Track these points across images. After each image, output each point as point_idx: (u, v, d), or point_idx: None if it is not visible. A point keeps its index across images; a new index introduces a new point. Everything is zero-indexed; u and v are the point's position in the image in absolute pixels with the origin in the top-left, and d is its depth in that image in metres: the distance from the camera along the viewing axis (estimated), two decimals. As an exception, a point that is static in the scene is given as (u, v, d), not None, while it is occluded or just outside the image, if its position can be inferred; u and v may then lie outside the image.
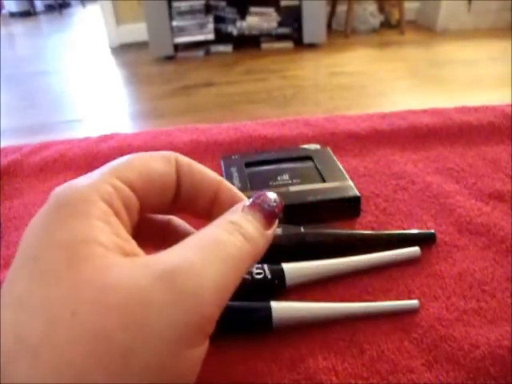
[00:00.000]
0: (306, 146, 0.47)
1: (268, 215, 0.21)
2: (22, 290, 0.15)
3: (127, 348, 0.14)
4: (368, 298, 0.30)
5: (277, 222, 0.21)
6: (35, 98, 2.46)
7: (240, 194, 0.24)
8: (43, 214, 0.18)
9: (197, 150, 0.50)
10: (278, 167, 0.42)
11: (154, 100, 2.30)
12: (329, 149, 0.46)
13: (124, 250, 0.17)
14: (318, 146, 0.47)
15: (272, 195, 0.22)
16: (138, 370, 0.14)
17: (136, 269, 0.16)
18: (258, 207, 0.21)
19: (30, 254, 0.16)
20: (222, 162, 0.44)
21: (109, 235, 0.17)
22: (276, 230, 0.22)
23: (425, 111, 0.55)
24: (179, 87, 2.42)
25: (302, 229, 0.34)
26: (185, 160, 0.23)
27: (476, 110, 0.54)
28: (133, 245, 0.18)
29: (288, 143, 0.50)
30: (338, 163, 0.42)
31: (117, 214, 0.18)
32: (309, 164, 0.43)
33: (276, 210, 0.21)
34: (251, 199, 0.21)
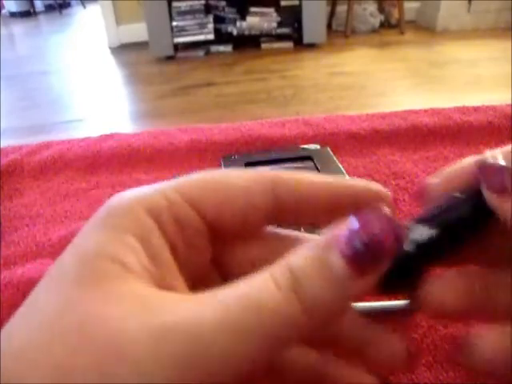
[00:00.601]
0: (305, 146, 0.47)
1: (359, 258, 0.13)
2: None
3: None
4: (368, 298, 0.30)
5: (387, 261, 0.14)
6: (35, 98, 2.46)
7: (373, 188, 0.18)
8: (86, 225, 0.15)
9: (197, 150, 0.50)
10: (278, 167, 0.42)
11: (154, 100, 2.30)
12: (329, 149, 0.46)
13: (154, 276, 0.14)
14: (317, 146, 0.47)
15: (382, 218, 0.14)
16: None
17: (142, 313, 0.13)
18: (348, 246, 0.13)
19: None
20: (221, 162, 0.44)
21: (140, 256, 0.14)
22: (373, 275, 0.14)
23: (425, 111, 0.55)
24: (179, 87, 2.42)
25: (302, 229, 0.34)
26: (285, 176, 0.17)
27: (476, 109, 0.54)
28: (171, 273, 0.15)
29: (288, 143, 0.50)
30: (338, 163, 0.42)
31: (164, 232, 0.15)
32: (309, 164, 0.43)
33: (378, 245, 0.13)
34: (349, 222, 0.14)
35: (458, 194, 0.17)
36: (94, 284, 0.13)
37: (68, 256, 0.14)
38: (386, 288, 0.16)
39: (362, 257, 0.13)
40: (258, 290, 0.13)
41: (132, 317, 0.13)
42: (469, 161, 0.18)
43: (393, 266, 0.14)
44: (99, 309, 0.13)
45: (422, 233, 0.16)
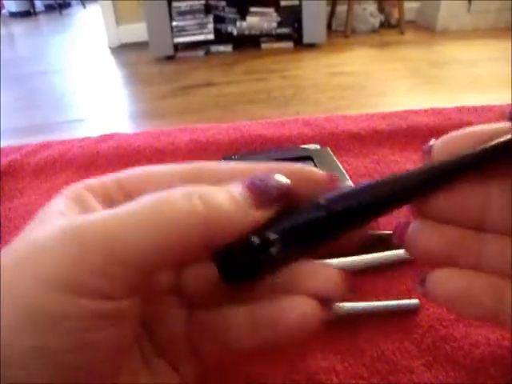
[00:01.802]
0: (305, 146, 0.47)
1: (258, 192, 0.17)
2: None
3: (7, 282, 0.15)
4: (368, 298, 0.30)
5: (271, 207, 0.17)
6: (35, 98, 2.47)
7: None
8: None
9: (197, 150, 0.50)
10: (278, 167, 0.42)
11: (154, 100, 2.30)
12: (329, 149, 0.46)
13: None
14: (317, 146, 0.47)
15: (279, 177, 0.18)
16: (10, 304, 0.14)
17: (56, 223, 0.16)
18: (251, 181, 0.17)
19: None
20: (222, 162, 0.44)
21: (75, 210, 0.18)
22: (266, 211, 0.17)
23: (425, 111, 0.55)
24: (179, 87, 2.42)
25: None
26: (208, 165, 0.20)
27: (476, 109, 0.54)
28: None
29: (288, 143, 0.50)
30: (338, 163, 0.42)
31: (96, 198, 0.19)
32: (309, 164, 0.43)
33: (273, 190, 0.17)
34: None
35: (322, 201, 0.18)
36: (38, 226, 0.17)
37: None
38: (229, 272, 0.18)
39: (260, 191, 0.17)
40: (167, 193, 0.16)
41: (51, 226, 0.16)
42: (477, 128, 0.19)
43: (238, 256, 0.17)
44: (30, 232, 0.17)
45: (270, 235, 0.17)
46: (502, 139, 0.18)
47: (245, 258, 0.17)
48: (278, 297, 0.18)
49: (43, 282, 0.14)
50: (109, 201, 0.18)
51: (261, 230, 0.17)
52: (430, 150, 0.19)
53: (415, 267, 0.32)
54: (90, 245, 0.15)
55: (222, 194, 0.16)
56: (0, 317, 0.14)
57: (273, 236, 0.17)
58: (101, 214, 0.16)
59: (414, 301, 0.29)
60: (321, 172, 0.20)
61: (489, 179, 0.19)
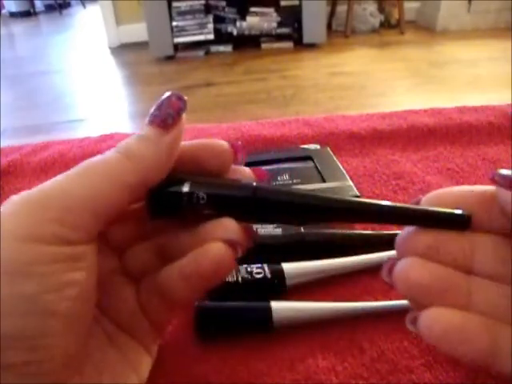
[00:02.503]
0: (305, 146, 0.47)
1: (159, 121, 0.21)
2: None
3: None
4: (368, 298, 0.30)
5: (180, 119, 0.21)
6: (35, 98, 2.46)
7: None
8: None
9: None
10: (278, 167, 0.42)
11: (154, 100, 2.24)
12: (329, 149, 0.46)
13: None
14: (317, 146, 0.47)
15: (166, 94, 0.22)
16: None
17: None
18: (151, 117, 0.21)
19: None
20: (221, 162, 0.44)
21: None
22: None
23: (425, 111, 0.55)
24: (179, 87, 2.42)
25: (302, 229, 0.34)
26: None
27: (476, 109, 0.54)
28: None
29: (288, 143, 0.50)
30: (338, 163, 0.42)
31: None
32: (309, 164, 0.43)
33: (169, 110, 0.21)
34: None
35: (258, 184, 0.21)
36: None
37: None
38: (155, 211, 0.22)
39: (160, 119, 0.21)
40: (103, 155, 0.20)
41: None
42: (464, 189, 0.20)
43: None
44: None
45: (201, 192, 0.21)
46: (451, 211, 0.20)
47: (171, 200, 0.21)
48: (197, 247, 0.21)
49: (11, 234, 0.17)
50: None
51: (193, 184, 0.21)
52: (418, 203, 0.21)
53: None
54: (44, 200, 0.18)
55: (134, 143, 0.20)
56: None
57: (199, 193, 0.21)
58: (51, 180, 0.19)
59: (414, 301, 0.29)
60: (226, 143, 0.22)
61: (478, 224, 0.19)
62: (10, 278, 0.16)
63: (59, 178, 0.19)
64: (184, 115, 0.22)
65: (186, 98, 0.22)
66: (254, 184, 0.21)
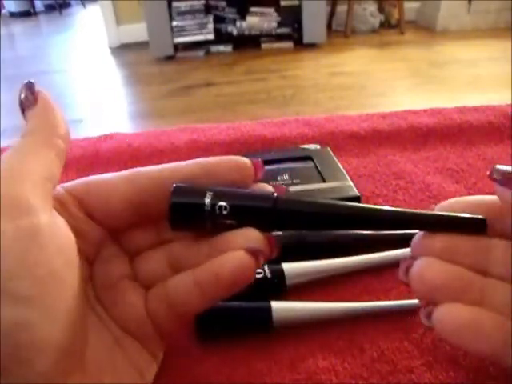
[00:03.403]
0: (305, 146, 0.47)
1: (25, 105, 0.25)
2: None
3: None
4: (368, 298, 0.30)
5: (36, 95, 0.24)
6: (35, 98, 2.46)
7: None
8: None
9: (197, 150, 0.50)
10: (278, 167, 0.42)
11: (154, 100, 2.30)
12: (329, 149, 0.46)
13: None
14: (317, 146, 0.47)
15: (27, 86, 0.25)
16: None
17: None
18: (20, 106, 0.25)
19: None
20: (221, 162, 0.44)
21: None
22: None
23: (425, 111, 0.55)
24: (179, 87, 2.42)
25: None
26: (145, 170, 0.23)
27: (476, 109, 0.54)
28: None
29: (288, 143, 0.50)
30: (338, 163, 0.42)
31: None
32: (309, 164, 0.43)
33: (27, 94, 0.24)
34: None
35: (279, 195, 0.21)
36: None
37: None
38: (178, 223, 0.22)
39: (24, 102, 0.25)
40: None
41: None
42: (474, 199, 0.21)
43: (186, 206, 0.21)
44: None
45: (223, 202, 0.21)
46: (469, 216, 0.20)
47: (193, 211, 0.21)
48: (215, 256, 0.21)
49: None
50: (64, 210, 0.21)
51: (215, 195, 0.21)
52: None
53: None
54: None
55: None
56: None
57: (221, 203, 0.21)
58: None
59: (414, 301, 0.29)
60: (247, 159, 0.22)
61: (490, 232, 0.20)
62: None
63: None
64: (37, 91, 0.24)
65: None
66: (275, 195, 0.21)
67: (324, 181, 0.39)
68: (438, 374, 0.25)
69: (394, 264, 0.32)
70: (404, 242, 0.34)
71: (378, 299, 0.30)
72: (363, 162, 0.47)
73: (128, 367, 0.21)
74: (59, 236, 0.18)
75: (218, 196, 0.21)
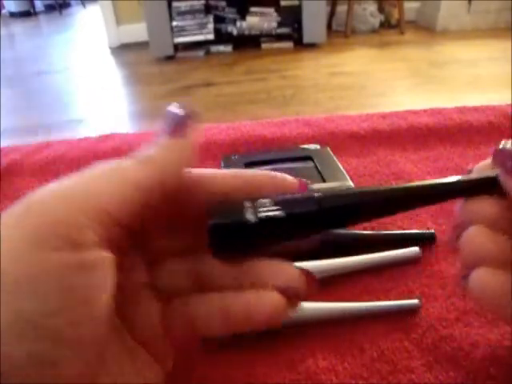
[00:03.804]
0: (305, 146, 0.47)
1: (171, 129, 0.21)
2: None
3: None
4: (368, 298, 0.30)
5: (187, 126, 0.21)
6: (35, 98, 2.46)
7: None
8: None
9: (197, 150, 0.50)
10: (278, 167, 0.42)
11: (154, 100, 2.29)
12: (329, 149, 0.46)
13: None
14: (317, 146, 0.47)
15: (169, 106, 0.22)
16: None
17: None
18: (160, 129, 0.21)
19: None
20: (221, 162, 0.44)
21: None
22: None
23: (425, 111, 0.55)
24: (179, 87, 2.42)
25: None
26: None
27: (476, 109, 0.54)
28: None
29: (288, 143, 0.50)
30: (338, 163, 0.42)
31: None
32: (309, 164, 0.43)
33: (174, 119, 0.21)
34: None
35: (318, 194, 0.20)
36: None
37: None
38: (220, 247, 0.19)
39: (171, 127, 0.21)
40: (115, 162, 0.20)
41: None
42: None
43: (231, 229, 0.19)
44: None
45: (270, 212, 0.19)
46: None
47: (237, 234, 0.19)
48: (248, 290, 0.19)
49: (13, 244, 0.15)
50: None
51: (253, 209, 0.19)
52: (471, 171, 0.22)
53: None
54: (46, 205, 0.16)
55: (144, 148, 0.21)
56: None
57: (264, 214, 0.19)
58: (58, 181, 0.18)
59: (414, 301, 0.29)
60: (292, 178, 0.22)
61: None
62: (12, 298, 0.15)
63: (64, 179, 0.18)
64: (192, 122, 0.22)
65: (187, 108, 0.22)
66: (316, 195, 0.20)
67: (324, 181, 0.39)
68: (437, 374, 0.25)
69: (393, 264, 0.32)
70: (404, 241, 0.34)
71: (378, 299, 0.30)
72: (363, 161, 0.47)
73: (136, 376, 0.20)
74: (104, 278, 0.17)
75: (259, 208, 0.19)
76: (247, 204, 0.19)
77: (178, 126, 0.21)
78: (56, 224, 0.16)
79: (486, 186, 0.21)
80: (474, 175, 0.21)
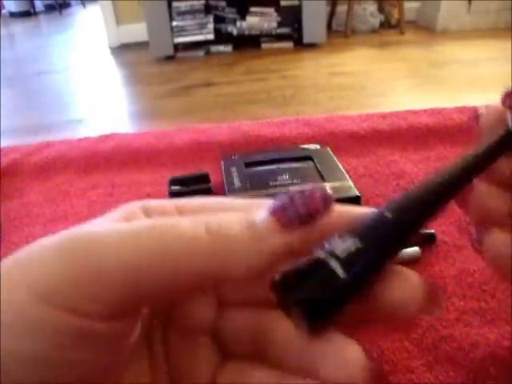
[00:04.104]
0: (305, 146, 0.47)
1: (283, 215, 0.14)
2: None
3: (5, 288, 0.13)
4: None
5: (311, 224, 0.15)
6: (35, 98, 2.46)
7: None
8: None
9: (197, 150, 0.50)
10: (278, 167, 0.42)
11: (154, 100, 2.29)
12: (329, 149, 0.46)
13: None
14: (317, 146, 0.47)
15: (310, 186, 0.15)
16: None
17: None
18: (275, 205, 0.15)
19: None
20: (221, 162, 0.44)
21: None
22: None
23: (425, 111, 0.55)
24: (179, 87, 2.42)
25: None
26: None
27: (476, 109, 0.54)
28: None
29: (288, 143, 0.50)
30: (338, 163, 0.42)
31: None
32: (309, 164, 0.43)
33: (304, 207, 0.14)
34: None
35: (388, 214, 0.16)
36: None
37: None
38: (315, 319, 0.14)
39: (277, 210, 0.14)
40: (175, 218, 0.15)
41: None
42: None
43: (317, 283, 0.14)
44: None
45: (349, 248, 0.15)
46: None
47: (320, 285, 0.14)
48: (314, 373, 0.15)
49: (32, 292, 0.13)
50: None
51: (325, 250, 0.14)
52: (478, 117, 0.22)
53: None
54: (80, 261, 0.13)
55: (236, 219, 0.14)
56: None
57: (345, 254, 0.14)
58: (102, 228, 0.14)
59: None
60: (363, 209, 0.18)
61: None
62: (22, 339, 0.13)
63: (113, 228, 0.14)
64: (321, 218, 0.15)
65: (331, 196, 0.15)
66: (386, 214, 0.16)
67: (324, 181, 0.40)
68: (437, 374, 0.25)
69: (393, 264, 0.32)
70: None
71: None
72: (363, 161, 0.47)
73: None
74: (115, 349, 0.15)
75: (338, 256, 0.14)
76: (325, 255, 0.14)
77: (298, 218, 0.15)
78: (74, 289, 0.14)
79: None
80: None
